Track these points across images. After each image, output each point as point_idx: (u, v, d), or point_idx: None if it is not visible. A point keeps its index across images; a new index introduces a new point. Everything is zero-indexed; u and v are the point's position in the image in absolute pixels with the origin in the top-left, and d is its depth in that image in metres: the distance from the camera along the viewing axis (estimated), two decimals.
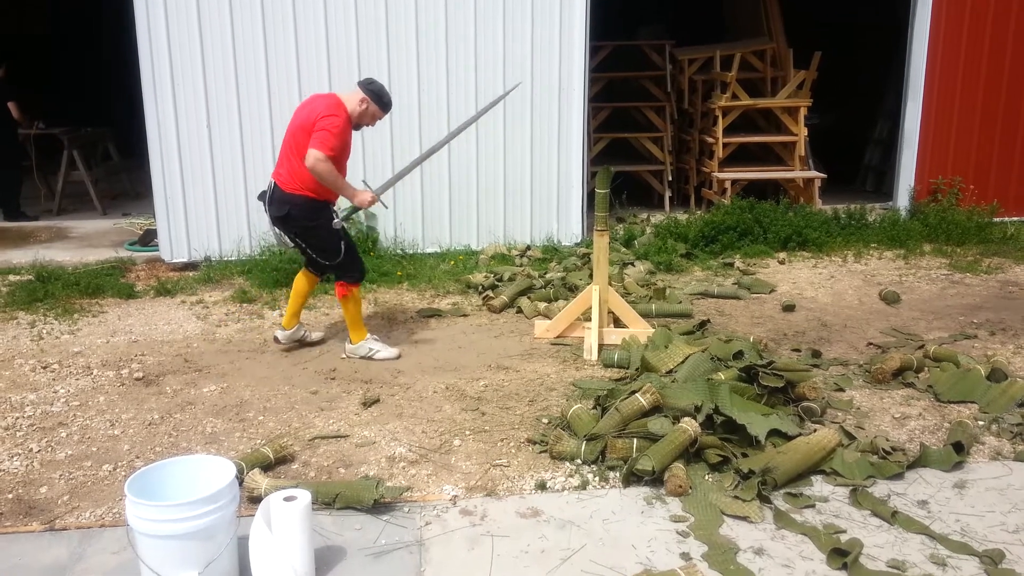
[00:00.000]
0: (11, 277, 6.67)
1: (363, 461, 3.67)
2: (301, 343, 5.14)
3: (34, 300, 6.02)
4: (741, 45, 9.00)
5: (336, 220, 4.69)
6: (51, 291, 6.16)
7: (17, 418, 4.13)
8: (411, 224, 7.44)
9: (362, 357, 4.92)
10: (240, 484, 3.37)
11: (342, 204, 4.86)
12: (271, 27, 6.88)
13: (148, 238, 7.59)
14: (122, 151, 10.62)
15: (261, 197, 4.83)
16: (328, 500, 3.23)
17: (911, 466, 3.51)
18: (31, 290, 6.16)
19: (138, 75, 6.76)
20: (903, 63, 8.32)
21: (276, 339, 5.08)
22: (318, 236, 4.74)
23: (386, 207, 4.96)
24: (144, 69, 6.73)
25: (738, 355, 4.26)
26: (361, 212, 7.13)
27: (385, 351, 4.94)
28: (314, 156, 4.41)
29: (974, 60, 8.10)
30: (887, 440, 3.72)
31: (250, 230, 7.14)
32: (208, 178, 7.01)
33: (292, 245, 5.03)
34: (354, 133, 4.79)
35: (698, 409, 3.57)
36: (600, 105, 9.07)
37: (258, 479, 3.34)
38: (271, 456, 3.60)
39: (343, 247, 4.75)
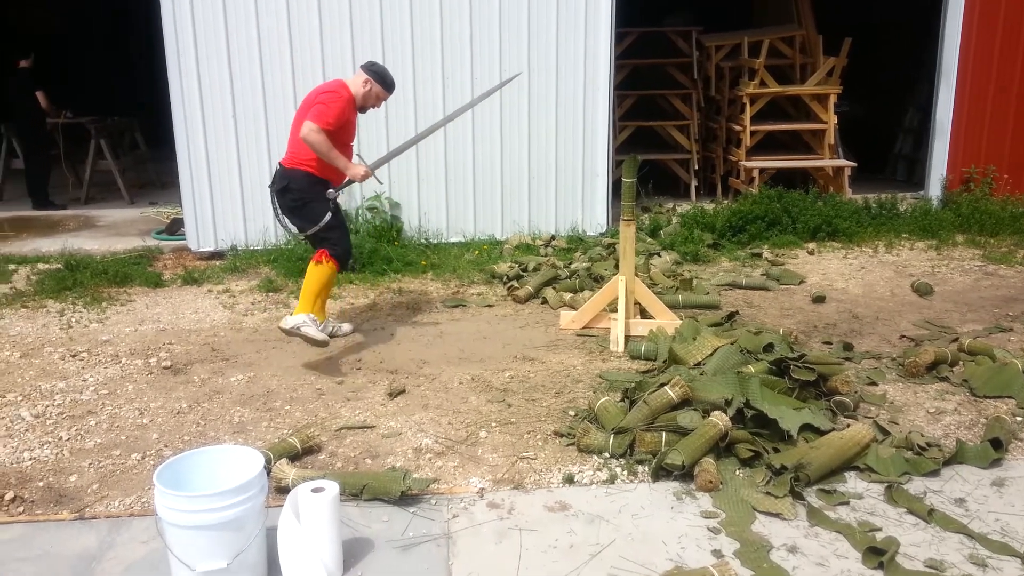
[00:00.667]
0: (40, 265, 6.73)
1: (390, 452, 3.65)
2: (332, 337, 5.12)
3: (63, 289, 6.07)
4: (770, 31, 8.86)
5: (332, 191, 4.69)
6: (80, 280, 6.21)
7: (47, 406, 4.16)
8: (435, 213, 7.42)
9: (289, 328, 4.55)
10: (268, 474, 3.38)
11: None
12: (295, 15, 6.86)
13: (175, 227, 7.63)
14: (149, 140, 10.70)
15: (271, 185, 4.87)
16: (355, 491, 3.22)
17: (947, 463, 3.43)
18: (60, 279, 6.21)
19: (165, 65, 6.78)
20: (935, 50, 8.16)
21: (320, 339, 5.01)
22: (309, 209, 4.70)
23: (380, 183, 4.95)
24: (170, 60, 6.75)
25: (768, 348, 4.19)
26: (384, 198, 7.15)
27: (316, 333, 4.56)
28: (308, 127, 4.46)
29: (1010, 44, 7.92)
30: (922, 435, 3.64)
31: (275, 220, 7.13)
32: (234, 167, 7.02)
33: (294, 230, 4.98)
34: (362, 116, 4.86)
35: (728, 403, 3.52)
36: (625, 93, 8.98)
37: (285, 469, 3.34)
38: (298, 446, 3.59)
39: (327, 218, 4.70)
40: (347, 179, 4.75)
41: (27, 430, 3.91)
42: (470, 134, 7.28)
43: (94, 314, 5.64)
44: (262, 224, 7.14)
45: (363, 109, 4.79)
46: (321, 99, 4.55)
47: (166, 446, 3.76)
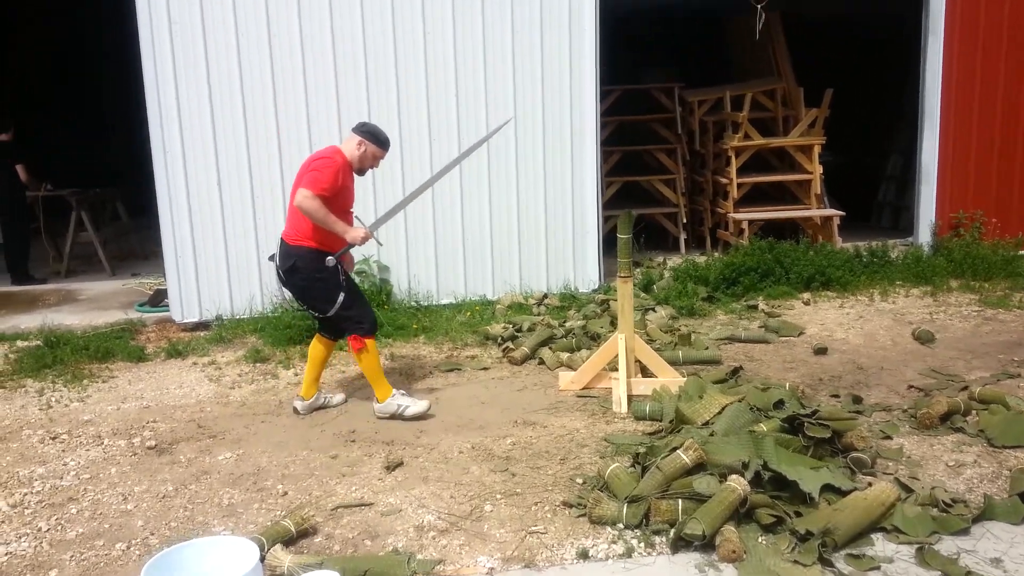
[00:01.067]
0: (19, 343, 6.52)
1: (390, 531, 3.45)
2: (323, 407, 4.95)
3: (42, 367, 5.86)
4: (751, 85, 8.95)
5: (330, 258, 4.55)
6: (60, 356, 6.00)
7: (25, 494, 3.93)
8: (425, 275, 7.30)
9: (392, 416, 4.72)
10: (261, 560, 3.17)
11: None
12: (280, 85, 6.82)
13: (158, 298, 7.45)
14: (130, 210, 10.57)
15: (272, 258, 4.75)
16: None
17: (976, 519, 3.28)
18: (39, 356, 6.00)
19: (146, 135, 6.70)
20: (915, 98, 8.24)
21: (296, 410, 4.88)
22: (319, 289, 4.61)
23: (380, 244, 4.85)
24: (153, 129, 6.67)
25: (779, 404, 4.06)
26: (372, 262, 7.03)
27: (415, 406, 4.72)
28: (302, 194, 4.38)
29: (989, 91, 8.01)
30: (946, 491, 3.50)
31: (262, 287, 7.00)
32: (219, 235, 6.89)
33: (301, 306, 4.91)
34: (358, 179, 4.77)
35: (745, 466, 3.36)
36: (611, 149, 8.99)
37: (280, 556, 3.14)
38: (292, 530, 3.39)
39: (341, 298, 4.60)
40: (347, 244, 4.61)
41: (3, 522, 3.68)
42: (458, 194, 7.21)
43: (75, 393, 5.42)
44: (248, 292, 6.99)
45: (361, 172, 4.70)
46: (315, 166, 4.47)
47: (152, 534, 3.53)
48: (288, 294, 4.75)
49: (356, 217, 4.76)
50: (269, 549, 3.21)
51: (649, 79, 9.66)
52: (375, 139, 4.63)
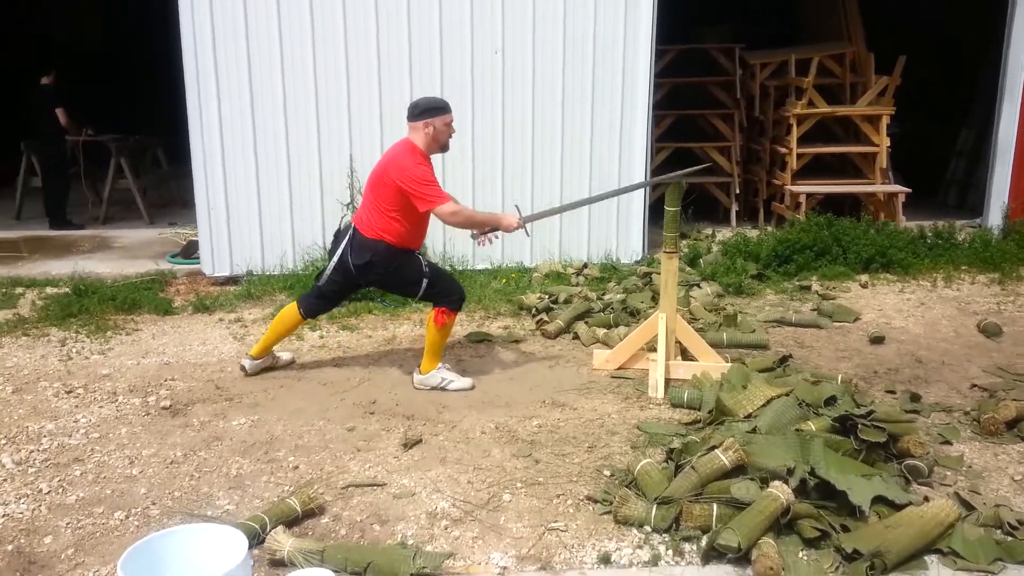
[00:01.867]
0: (48, 289, 6.44)
1: (401, 517, 3.24)
2: (271, 368, 4.80)
3: (68, 315, 5.76)
4: (818, 48, 8.40)
5: (474, 232, 4.45)
6: (86, 306, 5.90)
7: (32, 451, 3.81)
8: (461, 238, 7.00)
9: (433, 387, 4.52)
10: (261, 542, 2.99)
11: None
12: (320, 39, 6.54)
13: (190, 250, 7.32)
14: (173, 158, 10.46)
15: (338, 236, 4.53)
16: (358, 570, 2.80)
17: None
18: (66, 304, 5.91)
19: (182, 83, 6.50)
20: (992, 69, 7.63)
21: (243, 368, 4.72)
22: (401, 276, 4.44)
23: (528, 235, 4.72)
24: (189, 79, 6.46)
25: (830, 401, 3.72)
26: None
27: (459, 381, 4.54)
28: (440, 215, 4.23)
29: None
30: (1012, 511, 3.16)
31: (294, 244, 6.81)
32: (252, 190, 6.70)
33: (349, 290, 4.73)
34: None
35: (791, 472, 3.06)
36: (664, 112, 8.55)
37: (281, 539, 2.94)
38: (298, 509, 3.19)
39: (424, 283, 4.41)
40: (493, 228, 4.42)
41: (5, 480, 3.56)
42: (499, 153, 6.89)
43: (97, 344, 5.31)
44: (280, 249, 6.81)
45: (444, 148, 4.43)
46: (411, 188, 4.18)
47: (154, 503, 3.37)
48: (332, 266, 4.49)
49: (515, 206, 4.64)
50: (271, 530, 3.02)
51: (708, 39, 9.14)
52: (435, 111, 4.31)
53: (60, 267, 7.06)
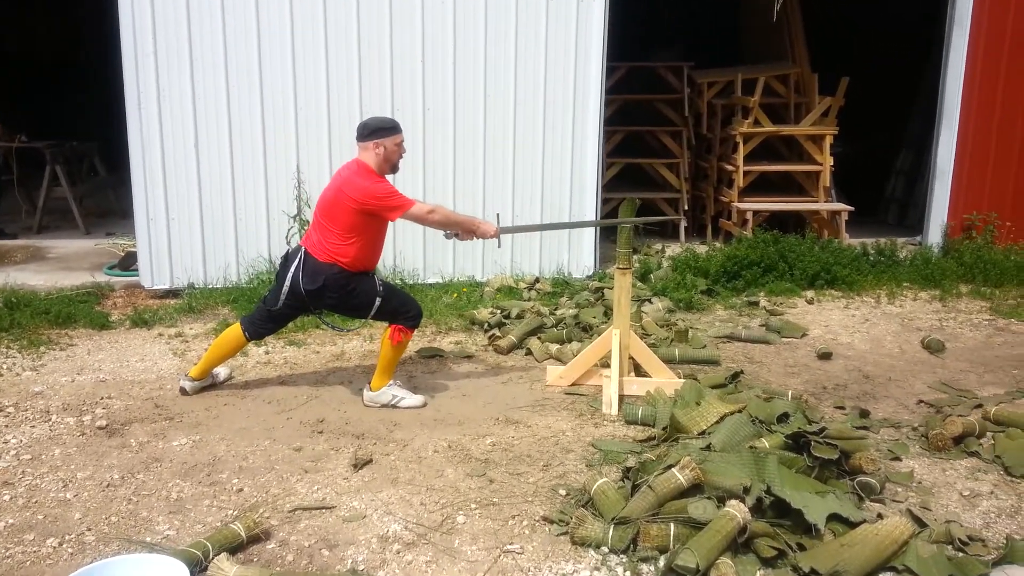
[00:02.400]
0: None
1: (351, 541, 3.13)
2: (210, 386, 4.65)
3: None
4: (765, 69, 8.55)
5: (447, 232, 4.42)
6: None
7: None
8: (411, 252, 6.93)
9: (384, 405, 4.42)
10: (204, 570, 2.86)
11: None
12: (267, 43, 6.40)
13: (128, 262, 7.07)
14: (111, 165, 10.13)
15: (287, 259, 4.37)
16: None
17: (996, 563, 2.98)
18: None
19: (123, 88, 6.28)
20: (930, 90, 7.86)
21: (184, 390, 4.55)
22: (355, 298, 4.32)
23: (499, 247, 4.71)
24: (128, 81, 6.24)
25: (782, 418, 3.74)
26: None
27: (410, 398, 4.46)
28: (417, 216, 4.23)
29: (1015, 90, 7.64)
30: (961, 527, 3.20)
31: (238, 256, 6.63)
32: (195, 199, 6.50)
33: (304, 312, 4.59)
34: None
35: (747, 490, 3.04)
36: (613, 129, 8.60)
37: (224, 566, 2.81)
38: (243, 534, 3.06)
39: (377, 302, 4.31)
40: (470, 231, 4.38)
41: None
42: (451, 165, 6.83)
43: (29, 360, 5.07)
44: (223, 261, 6.62)
45: (395, 169, 4.35)
46: (372, 202, 4.13)
47: (89, 529, 3.20)
48: (284, 291, 4.35)
49: (497, 215, 4.59)
50: (214, 557, 2.89)
51: (657, 57, 9.24)
52: (385, 131, 4.24)
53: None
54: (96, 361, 5.10)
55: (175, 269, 6.54)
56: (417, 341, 5.55)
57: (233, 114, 6.44)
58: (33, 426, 4.13)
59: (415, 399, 4.46)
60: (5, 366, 4.96)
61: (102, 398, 4.50)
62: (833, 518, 3.09)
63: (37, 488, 3.51)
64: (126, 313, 6.03)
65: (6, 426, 4.12)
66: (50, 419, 4.22)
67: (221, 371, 4.72)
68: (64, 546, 3.09)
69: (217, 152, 6.47)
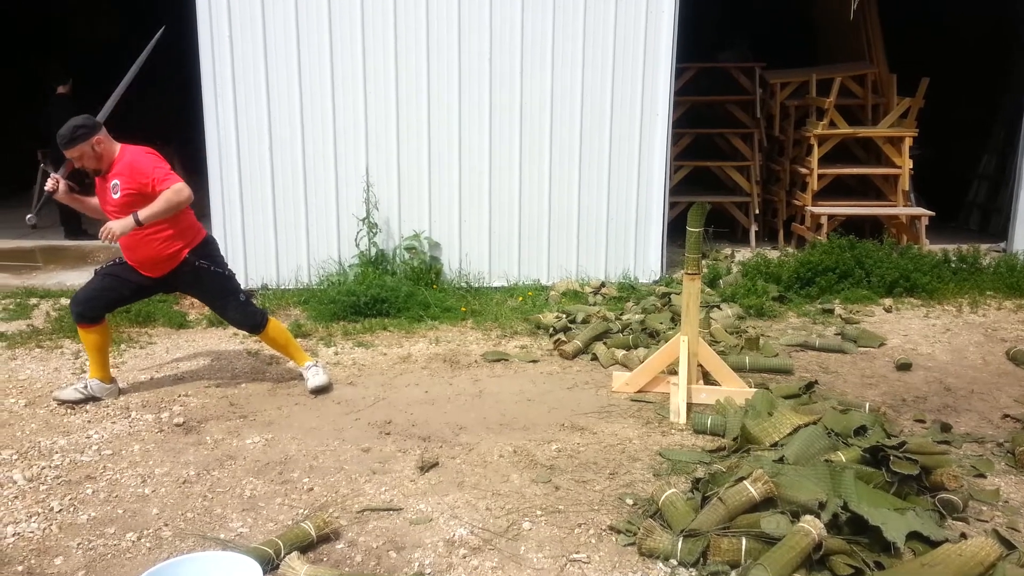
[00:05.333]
0: (63, 300, 6.40)
1: (417, 544, 3.15)
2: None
3: None
4: (840, 69, 8.32)
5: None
6: None
7: (43, 468, 3.74)
8: (477, 255, 6.96)
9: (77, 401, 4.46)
10: (275, 568, 2.91)
11: None
12: (338, 47, 6.51)
13: None
14: (190, 169, 10.43)
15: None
16: None
17: None
18: None
19: (200, 94, 6.48)
20: (1017, 94, 7.53)
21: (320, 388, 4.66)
22: None
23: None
24: (207, 92, 6.44)
25: (860, 430, 3.62)
26: (424, 238, 6.73)
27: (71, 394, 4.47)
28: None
29: None
30: None
31: (309, 258, 6.76)
32: (268, 202, 6.67)
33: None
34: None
35: (822, 506, 2.95)
36: (682, 131, 8.48)
37: (296, 565, 2.86)
38: (313, 534, 3.11)
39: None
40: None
41: (16, 497, 3.49)
42: (517, 169, 6.84)
43: (110, 357, 5.24)
44: (295, 263, 6.76)
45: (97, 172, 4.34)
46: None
47: (166, 524, 3.30)
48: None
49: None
50: (285, 556, 2.94)
51: (728, 58, 9.08)
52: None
53: (75, 278, 7.02)
54: (173, 359, 5.26)
55: (249, 271, 6.71)
56: (482, 345, 5.56)
57: (306, 122, 6.58)
58: (114, 422, 4.28)
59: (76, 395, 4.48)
60: (88, 363, 5.13)
61: (179, 396, 4.63)
62: (913, 536, 2.97)
63: (117, 483, 3.64)
64: (203, 313, 6.19)
65: (89, 422, 4.28)
66: (130, 416, 4.37)
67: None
68: (142, 540, 3.19)
69: (290, 158, 6.62)
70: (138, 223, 4.16)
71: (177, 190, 4.21)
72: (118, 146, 4.35)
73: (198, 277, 4.51)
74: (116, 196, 4.29)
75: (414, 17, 6.52)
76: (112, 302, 4.57)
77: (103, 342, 4.57)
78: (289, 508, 3.43)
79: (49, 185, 4.35)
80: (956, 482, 3.41)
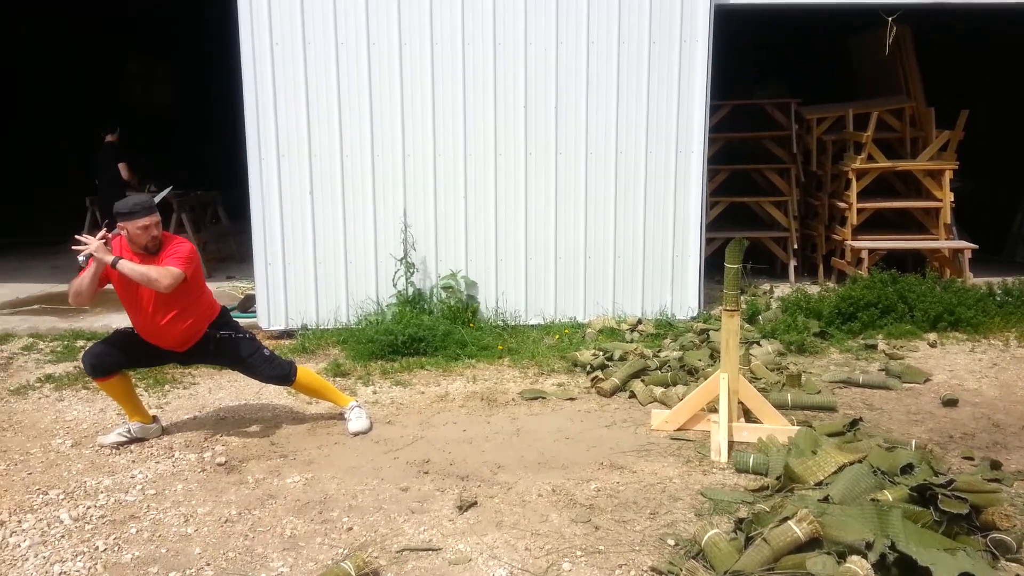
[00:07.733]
0: None
1: None
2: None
3: None
4: (877, 103, 8.29)
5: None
6: None
7: (89, 507, 3.81)
8: (514, 293, 7.00)
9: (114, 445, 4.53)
10: None
11: None
12: (377, 95, 6.65)
13: (248, 304, 7.41)
14: (232, 213, 10.70)
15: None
16: None
17: None
18: None
19: (244, 141, 6.65)
20: None
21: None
22: None
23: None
24: (250, 138, 6.60)
25: (906, 469, 3.54)
26: (460, 277, 6.78)
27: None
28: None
29: None
30: None
31: (348, 298, 6.85)
32: (309, 244, 6.78)
33: None
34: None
35: (869, 546, 2.88)
36: (718, 167, 8.49)
37: None
38: (353, 574, 3.11)
39: None
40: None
41: (63, 536, 3.55)
42: (552, 208, 6.88)
43: (154, 398, 5.35)
44: (334, 303, 6.85)
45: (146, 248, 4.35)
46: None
47: (208, 564, 3.33)
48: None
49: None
50: None
51: (762, 94, 9.10)
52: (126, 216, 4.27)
53: (120, 320, 7.16)
54: (216, 399, 5.34)
55: (290, 311, 6.81)
56: (519, 383, 5.56)
57: (346, 163, 6.70)
58: (158, 462, 4.34)
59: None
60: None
61: (220, 436, 4.69)
62: None
63: (160, 522, 3.68)
64: None
65: (133, 462, 4.35)
66: (173, 455, 4.43)
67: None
68: None
69: (331, 200, 6.74)
70: (113, 265, 4.18)
71: (166, 274, 4.19)
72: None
73: (220, 346, 4.57)
74: None
75: (450, 62, 6.65)
76: (122, 364, 4.51)
77: (126, 388, 4.57)
78: (329, 547, 3.44)
79: (99, 235, 4.37)
80: (1008, 521, 3.31)
